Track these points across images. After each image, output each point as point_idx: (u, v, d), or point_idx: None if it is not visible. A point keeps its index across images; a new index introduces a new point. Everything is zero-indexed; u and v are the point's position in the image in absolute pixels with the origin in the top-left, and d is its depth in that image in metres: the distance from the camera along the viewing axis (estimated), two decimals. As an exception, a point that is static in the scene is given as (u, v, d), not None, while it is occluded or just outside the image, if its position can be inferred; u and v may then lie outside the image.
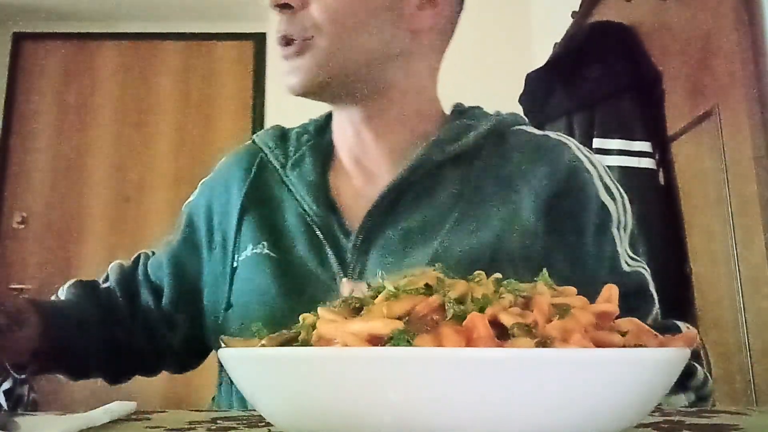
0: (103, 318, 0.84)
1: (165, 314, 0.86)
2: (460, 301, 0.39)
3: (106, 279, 0.90)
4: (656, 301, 0.78)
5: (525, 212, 0.77)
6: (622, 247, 0.78)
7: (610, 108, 1.85)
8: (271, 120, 3.17)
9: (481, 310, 0.38)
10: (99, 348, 0.83)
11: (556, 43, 2.26)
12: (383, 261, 0.75)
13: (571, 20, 2.29)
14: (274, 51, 3.64)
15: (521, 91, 2.09)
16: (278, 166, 0.86)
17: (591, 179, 0.80)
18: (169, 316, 0.86)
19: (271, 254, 0.80)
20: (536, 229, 0.76)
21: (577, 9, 2.27)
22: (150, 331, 0.86)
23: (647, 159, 1.72)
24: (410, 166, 0.80)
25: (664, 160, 1.77)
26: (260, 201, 0.85)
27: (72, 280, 0.88)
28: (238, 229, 0.84)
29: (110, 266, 0.91)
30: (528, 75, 2.08)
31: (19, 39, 3.78)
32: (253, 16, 3.56)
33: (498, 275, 0.45)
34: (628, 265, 0.78)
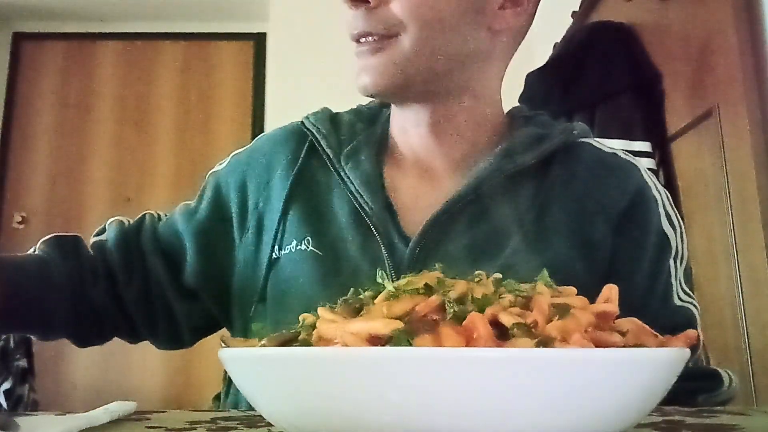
0: (78, 275, 0.79)
1: (181, 286, 0.83)
2: (460, 301, 0.39)
3: (100, 232, 0.85)
4: (701, 342, 0.74)
5: (593, 232, 0.75)
6: (677, 280, 0.77)
7: (610, 108, 1.85)
8: (271, 120, 3.17)
9: (481, 310, 0.38)
10: (67, 307, 0.78)
11: (556, 43, 2.26)
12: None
13: (571, 20, 2.29)
14: (274, 51, 3.61)
15: (521, 91, 2.09)
16: (331, 155, 0.81)
17: (656, 206, 0.78)
18: (188, 289, 0.83)
19: (317, 252, 0.76)
20: (603, 250, 0.75)
21: (577, 9, 2.27)
22: (149, 296, 0.82)
23: (647, 159, 1.72)
24: (479, 176, 0.76)
25: (664, 160, 1.77)
26: (308, 190, 0.81)
27: (48, 236, 0.82)
28: (282, 218, 0.79)
29: (109, 221, 0.86)
30: (528, 75, 2.07)
31: (19, 39, 3.78)
32: (253, 16, 3.57)
33: (498, 275, 0.45)
34: (680, 299, 0.76)
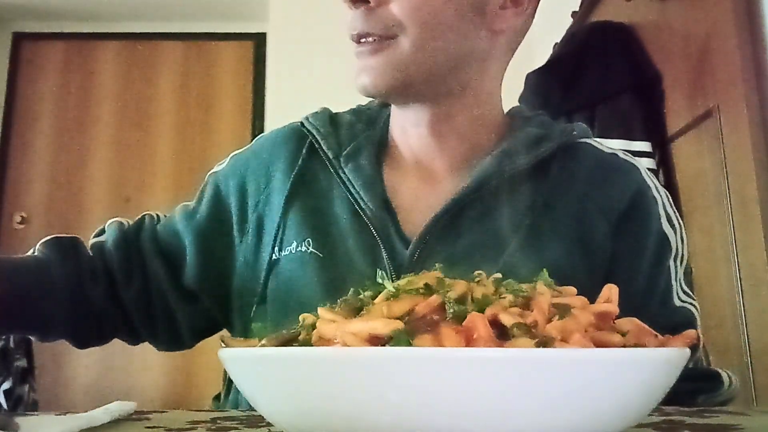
0: (78, 276, 0.79)
1: (181, 287, 0.83)
2: (460, 301, 0.39)
3: (100, 234, 0.85)
4: (701, 343, 0.74)
5: (593, 234, 0.75)
6: (677, 281, 0.77)
7: (610, 108, 1.85)
8: (271, 120, 3.16)
9: (481, 310, 0.38)
10: (66, 308, 0.78)
11: (556, 43, 2.26)
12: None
13: (571, 20, 2.29)
14: (274, 51, 3.61)
15: (521, 91, 2.09)
16: (331, 156, 0.81)
17: (656, 206, 0.78)
18: (189, 291, 0.83)
19: (318, 253, 0.76)
20: (603, 251, 0.75)
21: (577, 9, 2.27)
22: (148, 297, 0.82)
23: (647, 159, 1.72)
24: (479, 177, 0.76)
25: (664, 160, 1.77)
26: (308, 191, 0.81)
27: (47, 237, 0.82)
28: (282, 219, 0.79)
29: (108, 222, 0.85)
30: (528, 75, 2.07)
31: (19, 39, 3.78)
32: (253, 16, 3.57)
33: (498, 275, 0.45)
34: (680, 299, 0.76)
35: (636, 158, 0.84)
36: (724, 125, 1.50)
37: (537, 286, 0.43)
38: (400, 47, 0.74)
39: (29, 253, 0.82)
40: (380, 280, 0.43)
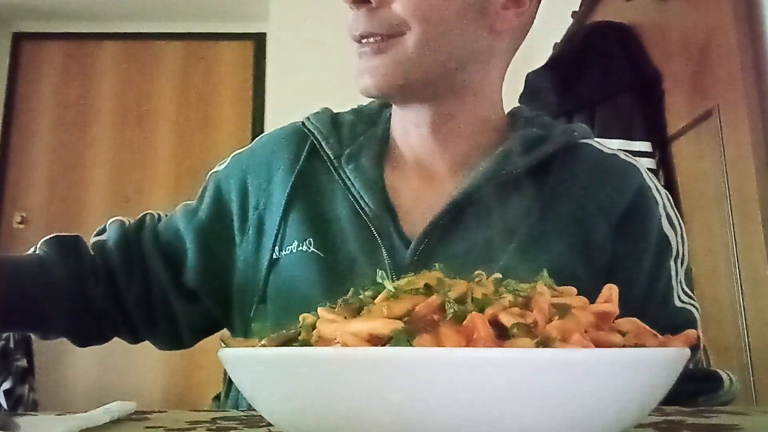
0: (79, 275, 0.79)
1: (181, 287, 0.83)
2: (460, 301, 0.39)
3: (101, 232, 0.85)
4: (702, 344, 0.74)
5: (593, 234, 0.75)
6: (677, 282, 0.77)
7: (610, 108, 1.85)
8: (271, 120, 3.17)
9: (481, 310, 0.38)
10: (67, 307, 0.78)
11: (556, 43, 2.26)
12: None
13: (571, 20, 2.29)
14: (274, 51, 3.61)
15: (521, 91, 2.09)
16: (332, 156, 0.81)
17: (656, 207, 0.78)
18: (189, 290, 0.83)
19: (318, 253, 0.76)
20: (603, 251, 0.75)
21: (577, 9, 2.27)
22: (149, 296, 0.82)
23: (647, 159, 1.72)
24: (479, 178, 0.76)
25: (664, 160, 1.77)
26: (309, 191, 0.81)
27: (48, 236, 0.82)
28: (283, 219, 0.80)
29: (109, 221, 0.86)
30: (528, 75, 2.08)
31: (19, 39, 3.78)
32: (253, 16, 3.57)
33: (498, 275, 0.45)
34: (681, 300, 0.76)
35: (636, 158, 0.84)
36: (724, 125, 1.50)
37: (537, 286, 0.42)
38: (405, 46, 0.74)
39: (30, 251, 0.82)
40: (380, 280, 0.43)
